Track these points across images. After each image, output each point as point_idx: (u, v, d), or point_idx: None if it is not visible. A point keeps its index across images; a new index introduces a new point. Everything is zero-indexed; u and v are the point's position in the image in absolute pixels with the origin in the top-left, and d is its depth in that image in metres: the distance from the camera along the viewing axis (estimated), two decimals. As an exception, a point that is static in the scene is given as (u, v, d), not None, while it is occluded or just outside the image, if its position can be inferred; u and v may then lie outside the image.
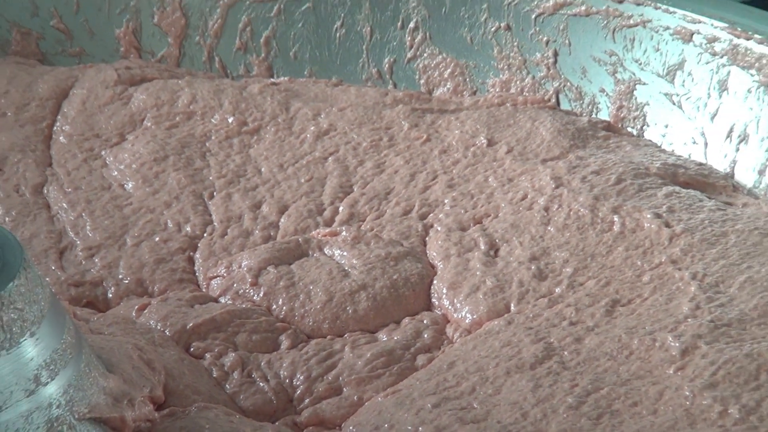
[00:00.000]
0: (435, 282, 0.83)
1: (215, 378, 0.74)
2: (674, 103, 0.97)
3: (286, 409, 0.73)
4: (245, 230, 0.89)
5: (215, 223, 0.90)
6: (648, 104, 0.99)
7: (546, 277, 0.81)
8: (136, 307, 0.80)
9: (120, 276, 0.85)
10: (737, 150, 0.93)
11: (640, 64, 0.99)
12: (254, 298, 0.81)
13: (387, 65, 1.09)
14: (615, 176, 0.89)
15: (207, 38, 1.13)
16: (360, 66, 1.10)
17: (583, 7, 1.01)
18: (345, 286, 0.81)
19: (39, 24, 1.15)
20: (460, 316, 0.79)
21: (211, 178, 0.95)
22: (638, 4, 0.99)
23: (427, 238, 0.87)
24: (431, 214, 0.89)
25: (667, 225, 0.83)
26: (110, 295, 0.84)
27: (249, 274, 0.82)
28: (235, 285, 0.82)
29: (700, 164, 0.94)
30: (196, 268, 0.86)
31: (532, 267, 0.81)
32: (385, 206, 0.91)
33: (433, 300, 0.82)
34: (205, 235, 0.89)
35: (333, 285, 0.81)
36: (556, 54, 1.03)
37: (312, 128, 1.00)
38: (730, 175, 0.93)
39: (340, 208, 0.91)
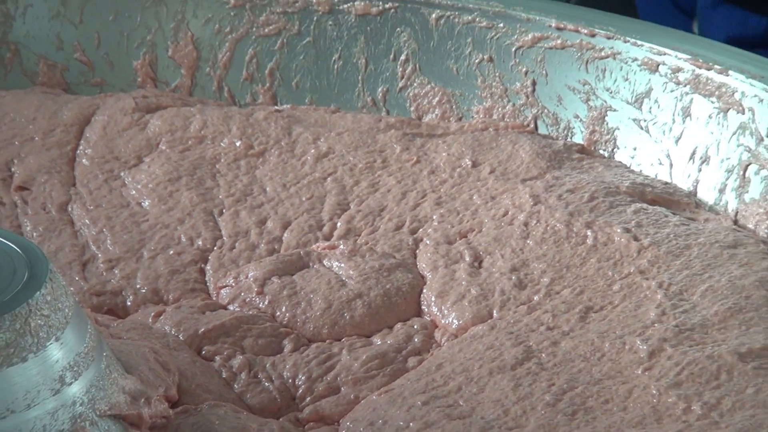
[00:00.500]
0: (424, 291, 0.83)
1: (224, 378, 0.74)
2: (642, 128, 0.97)
3: (289, 406, 0.73)
4: (252, 244, 0.89)
5: (224, 238, 0.90)
6: (618, 129, 0.99)
7: (525, 286, 0.81)
8: (152, 314, 0.80)
9: (137, 286, 0.85)
10: (699, 170, 0.93)
11: (611, 92, 0.99)
12: (260, 305, 0.81)
13: (380, 94, 1.09)
14: (588, 194, 0.89)
15: (217, 69, 1.13)
16: (356, 94, 1.10)
17: (558, 41, 1.01)
18: (342, 294, 0.81)
19: (64, 57, 1.15)
20: (447, 322, 0.79)
21: (220, 196, 0.95)
22: (609, 38, 0.99)
23: (417, 251, 0.87)
24: (421, 229, 0.89)
25: (636, 239, 0.83)
26: (129, 303, 0.84)
27: (255, 284, 0.82)
28: (242, 294, 0.82)
29: (666, 183, 0.94)
30: (207, 278, 0.86)
31: (513, 277, 0.82)
32: (378, 222, 0.91)
33: (423, 307, 0.82)
34: (215, 248, 0.89)
35: (331, 294, 0.81)
36: (534, 83, 1.03)
37: (312, 151, 1.00)
38: (693, 193, 0.93)
39: (338, 224, 0.91)
